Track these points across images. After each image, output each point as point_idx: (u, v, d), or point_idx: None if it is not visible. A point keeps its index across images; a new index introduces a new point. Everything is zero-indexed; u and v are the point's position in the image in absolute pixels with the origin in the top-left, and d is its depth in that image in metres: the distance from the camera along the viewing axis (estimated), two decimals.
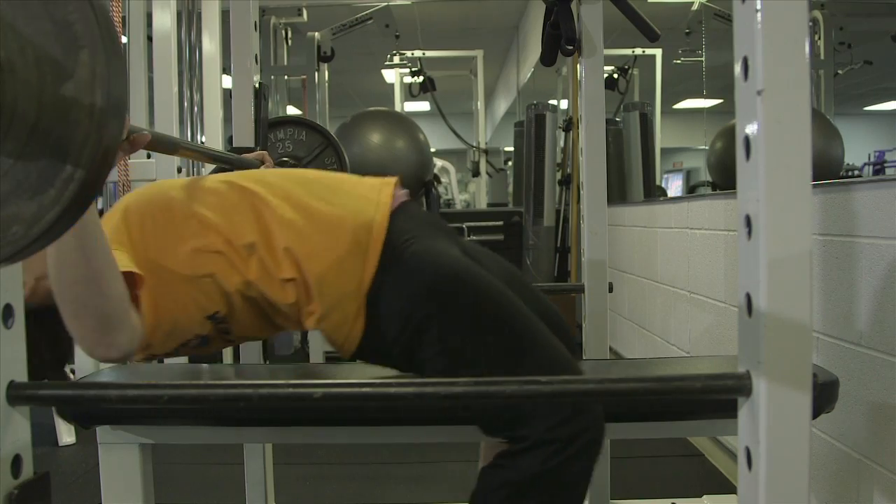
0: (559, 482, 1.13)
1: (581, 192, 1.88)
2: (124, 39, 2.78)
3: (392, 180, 1.31)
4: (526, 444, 1.12)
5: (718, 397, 0.70)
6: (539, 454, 1.11)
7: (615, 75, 5.71)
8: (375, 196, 1.27)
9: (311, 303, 1.20)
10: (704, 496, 2.12)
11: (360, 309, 1.21)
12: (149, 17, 2.73)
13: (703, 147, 5.51)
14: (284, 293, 1.19)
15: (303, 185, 1.27)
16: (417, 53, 6.15)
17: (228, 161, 1.59)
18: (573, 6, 1.77)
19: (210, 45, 3.16)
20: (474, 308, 1.18)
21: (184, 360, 2.28)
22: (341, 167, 1.96)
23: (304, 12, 5.44)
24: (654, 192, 4.95)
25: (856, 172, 6.28)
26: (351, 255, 1.20)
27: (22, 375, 0.80)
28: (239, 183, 1.25)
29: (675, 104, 9.08)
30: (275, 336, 1.28)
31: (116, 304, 1.00)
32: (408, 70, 6.29)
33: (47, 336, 1.22)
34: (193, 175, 3.07)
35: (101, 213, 3.51)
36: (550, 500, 1.13)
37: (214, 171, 1.74)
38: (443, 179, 6.87)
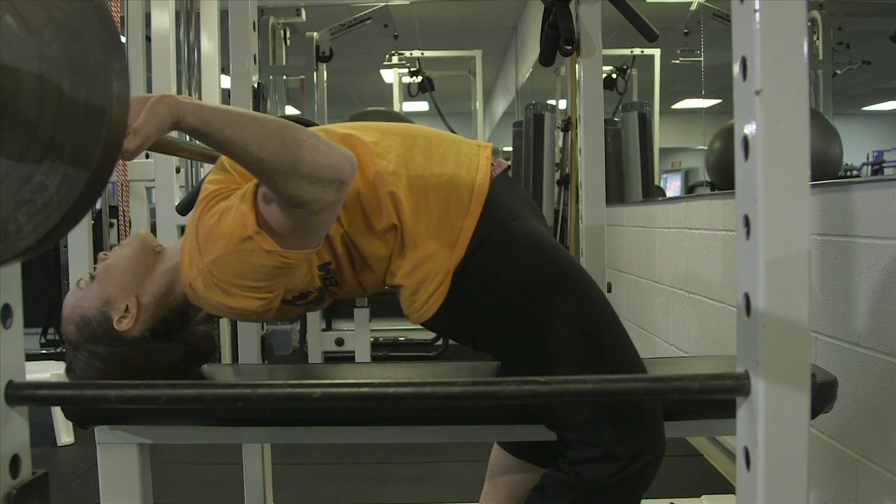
0: (622, 495, 1.16)
1: (579, 191, 1.88)
2: (123, 39, 2.78)
3: (488, 144, 1.31)
4: (593, 454, 1.14)
5: (717, 397, 0.70)
6: (606, 466, 1.14)
7: (614, 75, 5.71)
8: (475, 156, 1.27)
9: (402, 256, 1.20)
10: (703, 496, 2.12)
11: (450, 271, 1.20)
12: (147, 17, 2.74)
13: (701, 147, 5.51)
14: (379, 245, 1.19)
15: (403, 136, 1.25)
16: (416, 53, 6.14)
17: None
18: (571, 6, 1.77)
19: (208, 45, 3.15)
20: (576, 303, 1.20)
21: None
22: None
23: (303, 12, 5.44)
24: (652, 192, 4.95)
25: (854, 172, 6.29)
26: (450, 210, 1.20)
27: (20, 375, 0.80)
28: (338, 132, 1.23)
29: (673, 104, 9.08)
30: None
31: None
32: (406, 70, 6.29)
33: (178, 347, 1.25)
34: (192, 175, 3.07)
35: (98, 214, 3.49)
36: None
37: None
38: None
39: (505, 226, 1.20)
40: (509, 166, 1.32)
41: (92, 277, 1.24)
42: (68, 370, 1.25)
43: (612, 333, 1.21)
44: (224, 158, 1.22)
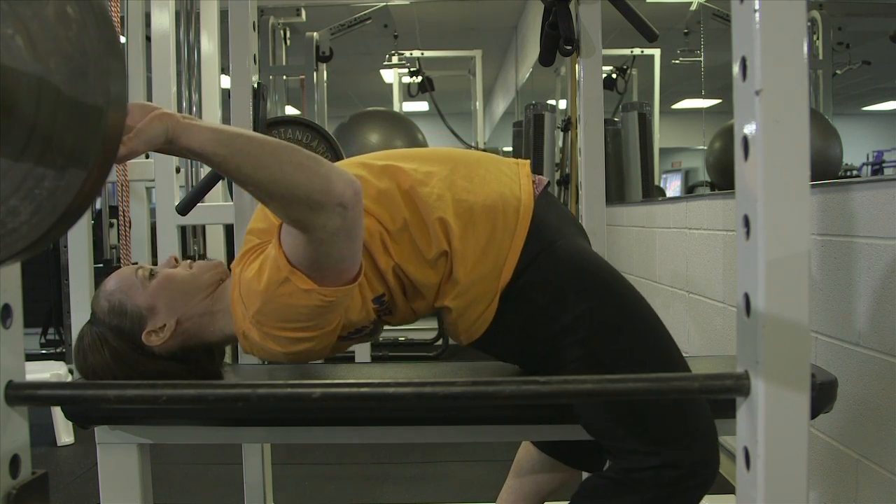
0: None
1: (579, 192, 1.88)
2: (123, 39, 2.78)
3: (525, 161, 1.31)
4: (654, 462, 1.13)
5: (717, 397, 0.70)
6: (665, 473, 1.13)
7: (614, 75, 5.71)
8: (515, 175, 1.27)
9: (450, 280, 1.19)
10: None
11: (497, 292, 1.20)
12: (147, 17, 2.73)
13: (701, 147, 5.51)
14: (430, 273, 1.18)
15: (442, 161, 1.25)
16: (416, 53, 6.14)
17: None
18: (571, 6, 1.76)
19: (208, 45, 3.15)
20: (624, 317, 1.20)
21: None
22: (327, 144, 1.95)
23: (303, 12, 5.44)
24: (652, 193, 4.95)
25: (854, 172, 6.28)
26: (497, 232, 1.19)
27: (20, 375, 0.80)
28: (377, 164, 1.23)
29: (673, 104, 9.09)
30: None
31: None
32: (406, 70, 6.29)
33: (188, 368, 1.24)
34: (192, 175, 3.07)
35: (98, 213, 3.48)
36: None
37: (213, 171, 1.74)
38: None
39: (551, 245, 1.20)
40: (549, 182, 1.31)
41: (152, 274, 1.23)
42: (79, 338, 1.24)
43: (666, 346, 1.22)
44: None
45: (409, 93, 6.22)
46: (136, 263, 1.26)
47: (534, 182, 1.27)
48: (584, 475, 1.54)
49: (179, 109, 3.05)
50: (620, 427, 1.16)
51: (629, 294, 1.23)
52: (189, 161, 2.94)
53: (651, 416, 1.15)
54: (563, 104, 6.14)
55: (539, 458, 1.51)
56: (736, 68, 0.67)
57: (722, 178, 4.36)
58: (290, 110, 6.45)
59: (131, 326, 1.20)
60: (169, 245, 2.42)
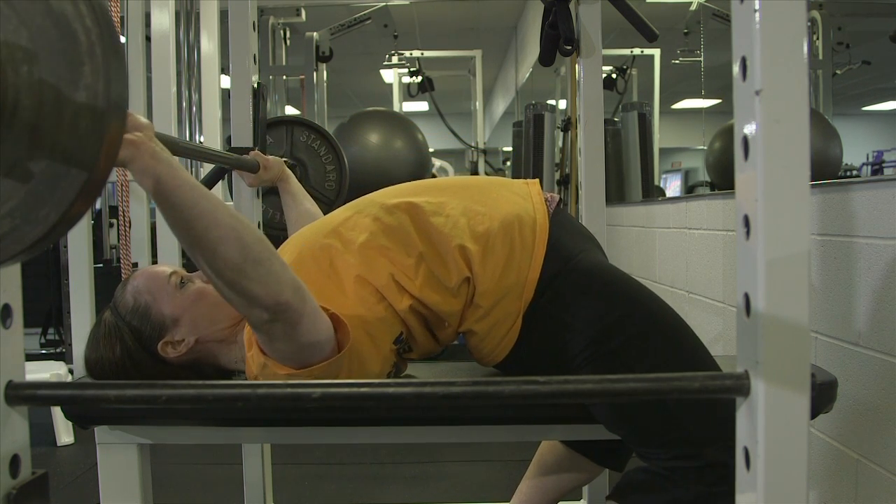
0: None
1: (579, 192, 1.88)
2: (123, 39, 2.78)
3: (535, 180, 1.32)
4: (696, 463, 1.12)
5: (717, 397, 0.70)
6: (707, 475, 1.11)
7: (614, 75, 5.71)
8: (527, 194, 1.27)
9: (472, 304, 1.19)
10: None
11: (520, 312, 1.19)
12: (147, 17, 2.73)
13: (701, 147, 5.51)
14: (454, 301, 1.18)
15: (452, 190, 1.26)
16: (416, 53, 6.15)
17: (227, 161, 1.59)
18: (571, 6, 1.77)
19: (208, 45, 3.15)
20: (651, 325, 1.19)
21: None
22: (339, 167, 1.96)
23: (303, 12, 5.44)
24: (652, 193, 4.95)
25: (854, 172, 6.29)
26: (515, 252, 1.19)
27: (20, 375, 0.79)
28: (390, 202, 1.23)
29: (673, 104, 9.09)
30: None
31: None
32: (406, 70, 6.30)
33: (194, 376, 1.24)
34: (191, 175, 3.07)
35: (98, 213, 3.47)
36: None
37: (213, 170, 1.74)
38: None
39: (570, 260, 1.20)
40: (561, 199, 1.32)
41: (183, 282, 1.22)
42: (97, 324, 1.24)
43: (695, 350, 1.20)
44: None
45: (409, 93, 6.23)
46: (172, 267, 1.25)
47: (546, 200, 1.27)
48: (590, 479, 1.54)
49: (180, 109, 3.05)
50: (655, 436, 1.15)
51: (653, 302, 1.22)
52: (189, 161, 2.94)
53: (685, 420, 1.14)
54: (563, 104, 6.14)
55: (565, 454, 1.50)
56: (736, 68, 0.67)
57: (722, 178, 4.37)
58: (290, 110, 6.46)
59: (150, 332, 1.20)
60: (169, 245, 2.42)
